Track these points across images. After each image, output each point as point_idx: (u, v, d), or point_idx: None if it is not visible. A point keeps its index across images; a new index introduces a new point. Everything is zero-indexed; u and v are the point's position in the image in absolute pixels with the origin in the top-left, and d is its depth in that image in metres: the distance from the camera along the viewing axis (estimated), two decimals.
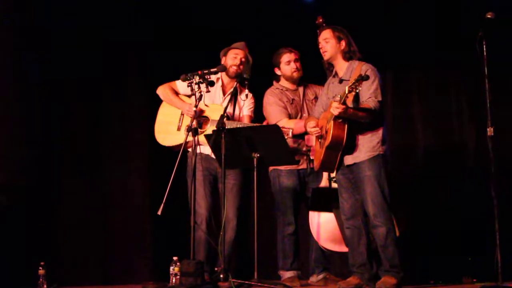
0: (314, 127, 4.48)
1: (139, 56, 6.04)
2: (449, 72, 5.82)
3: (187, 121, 4.89)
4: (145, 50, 6.06)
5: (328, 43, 4.53)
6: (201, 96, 4.47)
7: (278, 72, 5.13)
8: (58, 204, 5.66)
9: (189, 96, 4.98)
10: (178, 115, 5.04)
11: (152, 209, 4.95)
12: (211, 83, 4.56)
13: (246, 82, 4.64)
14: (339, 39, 4.52)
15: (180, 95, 5.07)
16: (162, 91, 5.09)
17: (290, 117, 5.00)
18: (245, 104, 5.03)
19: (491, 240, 3.98)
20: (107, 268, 5.72)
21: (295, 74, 5.07)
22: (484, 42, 4.04)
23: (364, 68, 4.38)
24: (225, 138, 4.28)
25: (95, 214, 5.77)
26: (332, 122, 4.27)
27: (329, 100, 4.54)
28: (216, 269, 4.38)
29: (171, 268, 4.31)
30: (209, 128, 4.79)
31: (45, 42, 5.65)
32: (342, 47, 4.52)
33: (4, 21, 5.45)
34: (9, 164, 5.36)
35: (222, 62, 5.06)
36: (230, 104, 4.92)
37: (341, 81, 4.52)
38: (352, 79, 4.31)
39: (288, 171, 4.96)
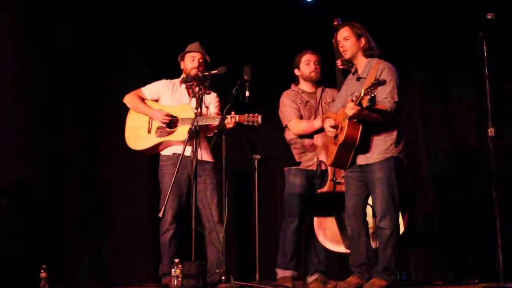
0: (332, 127, 4.42)
1: (140, 56, 6.04)
2: (450, 72, 5.81)
3: (157, 123, 4.95)
4: (146, 50, 6.05)
5: (348, 41, 4.44)
6: (202, 97, 4.48)
7: (297, 72, 5.14)
8: (60, 207, 5.65)
9: (156, 101, 5.04)
10: (147, 119, 5.05)
11: (154, 211, 4.94)
12: (211, 80, 4.58)
13: (247, 84, 4.64)
14: (358, 36, 4.44)
15: (147, 101, 5.09)
16: (129, 99, 5.10)
17: (302, 118, 5.01)
18: (211, 103, 5.05)
19: (492, 241, 3.98)
20: (109, 270, 5.72)
21: (313, 74, 5.08)
22: (484, 43, 4.03)
23: (381, 66, 4.30)
24: (226, 140, 4.29)
25: (96, 216, 5.76)
26: (347, 121, 4.23)
27: (348, 96, 4.47)
28: (217, 270, 4.39)
29: (173, 270, 4.30)
30: (180, 127, 4.81)
31: (46, 41, 5.65)
32: (362, 44, 4.44)
33: (5, 21, 5.45)
34: (11, 166, 5.35)
35: (181, 67, 5.10)
36: (196, 104, 4.95)
37: (358, 78, 4.46)
38: (368, 79, 4.26)
39: (297, 170, 4.97)
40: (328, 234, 4.90)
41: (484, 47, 4.03)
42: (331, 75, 5.06)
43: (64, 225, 5.63)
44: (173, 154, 4.79)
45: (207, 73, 4.55)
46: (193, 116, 4.56)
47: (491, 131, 4.03)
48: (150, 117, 5.01)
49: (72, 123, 5.81)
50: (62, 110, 5.75)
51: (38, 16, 5.63)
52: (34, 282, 4.69)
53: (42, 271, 4.68)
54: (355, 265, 4.43)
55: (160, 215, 4.23)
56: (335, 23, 5.09)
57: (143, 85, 5.15)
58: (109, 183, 5.89)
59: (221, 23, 6.00)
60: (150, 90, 5.07)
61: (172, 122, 4.92)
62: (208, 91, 4.61)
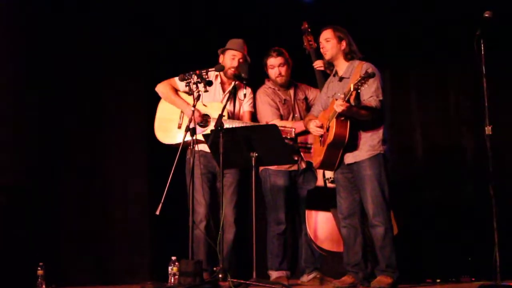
0: (318, 126, 4.46)
1: (138, 56, 6.03)
2: (448, 70, 5.82)
3: (188, 118, 4.86)
4: (144, 50, 6.04)
5: (329, 43, 4.53)
6: (199, 95, 4.46)
7: (267, 71, 5.15)
8: (57, 204, 5.65)
9: (189, 94, 4.98)
10: (179, 112, 5.00)
11: (151, 209, 4.93)
12: (209, 83, 4.55)
13: (244, 82, 4.64)
14: (339, 39, 4.52)
15: (180, 92, 5.03)
16: (162, 89, 5.04)
17: (282, 117, 5.01)
18: (245, 100, 5.04)
19: (489, 239, 3.98)
20: (106, 268, 5.71)
21: (278, 79, 5.07)
22: (482, 41, 4.04)
23: (365, 67, 4.38)
24: (223, 137, 4.28)
25: (94, 214, 5.76)
26: (334, 120, 4.27)
27: (329, 99, 4.57)
28: (214, 268, 4.38)
29: (170, 268, 4.31)
30: (211, 127, 4.77)
31: (45, 42, 5.65)
32: (343, 47, 4.52)
33: (4, 21, 5.45)
34: (9, 164, 5.35)
35: (220, 61, 5.05)
36: (230, 102, 4.91)
37: (341, 79, 4.52)
38: (353, 78, 4.32)
39: (280, 171, 4.99)
40: (321, 233, 4.89)
41: (482, 45, 4.04)
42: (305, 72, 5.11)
43: (61, 222, 5.63)
44: (201, 150, 4.68)
45: (204, 70, 4.54)
46: (226, 116, 4.58)
47: (488, 129, 4.04)
48: (181, 111, 4.96)
49: (72, 122, 5.82)
50: (61, 109, 5.75)
51: (38, 15, 5.64)
52: (31, 279, 4.70)
53: (39, 268, 4.69)
54: (351, 264, 4.46)
55: (157, 212, 4.20)
56: (305, 26, 5.13)
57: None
58: (107, 182, 5.88)
59: (220, 21, 6.00)
60: (184, 82, 4.94)
61: (203, 121, 4.90)
62: (207, 89, 4.59)
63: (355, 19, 5.65)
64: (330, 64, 4.64)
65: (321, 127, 4.47)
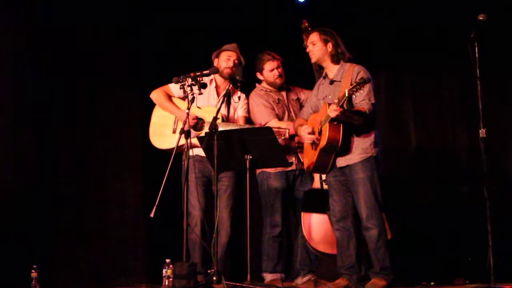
0: (309, 133, 4.47)
1: (135, 58, 6.02)
2: (442, 72, 5.82)
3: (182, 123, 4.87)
4: (141, 53, 6.04)
5: (315, 46, 4.56)
6: (193, 98, 4.47)
7: (260, 77, 5.17)
8: (52, 206, 5.63)
9: (183, 99, 4.99)
10: (173, 118, 5.05)
11: (146, 212, 4.93)
12: (204, 85, 4.56)
13: (238, 84, 4.65)
14: (325, 42, 4.54)
15: (174, 99, 5.07)
16: (156, 96, 5.08)
17: (278, 117, 5.01)
18: (239, 105, 5.04)
19: (483, 241, 3.99)
20: (101, 270, 5.70)
21: (278, 81, 5.10)
22: (475, 44, 4.04)
23: (356, 69, 4.40)
24: (218, 140, 4.28)
25: (88, 216, 5.74)
26: (327, 124, 4.27)
27: (319, 101, 4.58)
28: (209, 271, 4.38)
29: (164, 270, 4.29)
30: (205, 130, 4.78)
31: (42, 43, 5.64)
32: (329, 50, 4.53)
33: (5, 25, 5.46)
34: (4, 166, 5.34)
35: (215, 64, 5.07)
36: (224, 105, 4.92)
37: (331, 82, 4.53)
38: (344, 81, 4.33)
39: (277, 173, 4.97)
40: (316, 235, 4.89)
41: (476, 48, 4.04)
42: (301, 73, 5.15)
43: (56, 224, 5.61)
44: (196, 155, 4.71)
45: (199, 73, 4.54)
46: (220, 120, 4.59)
47: (482, 132, 4.05)
48: (176, 116, 5.00)
49: (67, 123, 5.80)
50: (57, 111, 5.74)
51: (37, 15, 5.63)
52: (25, 282, 4.69)
53: (33, 271, 4.67)
54: (344, 267, 4.47)
55: (152, 215, 4.20)
56: (305, 25, 5.14)
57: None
58: (102, 184, 5.86)
59: (215, 23, 6.00)
60: (178, 87, 4.85)
61: (198, 124, 4.91)
62: (201, 92, 4.60)
63: (353, 19, 5.66)
64: (320, 67, 4.65)
65: (312, 132, 4.47)
